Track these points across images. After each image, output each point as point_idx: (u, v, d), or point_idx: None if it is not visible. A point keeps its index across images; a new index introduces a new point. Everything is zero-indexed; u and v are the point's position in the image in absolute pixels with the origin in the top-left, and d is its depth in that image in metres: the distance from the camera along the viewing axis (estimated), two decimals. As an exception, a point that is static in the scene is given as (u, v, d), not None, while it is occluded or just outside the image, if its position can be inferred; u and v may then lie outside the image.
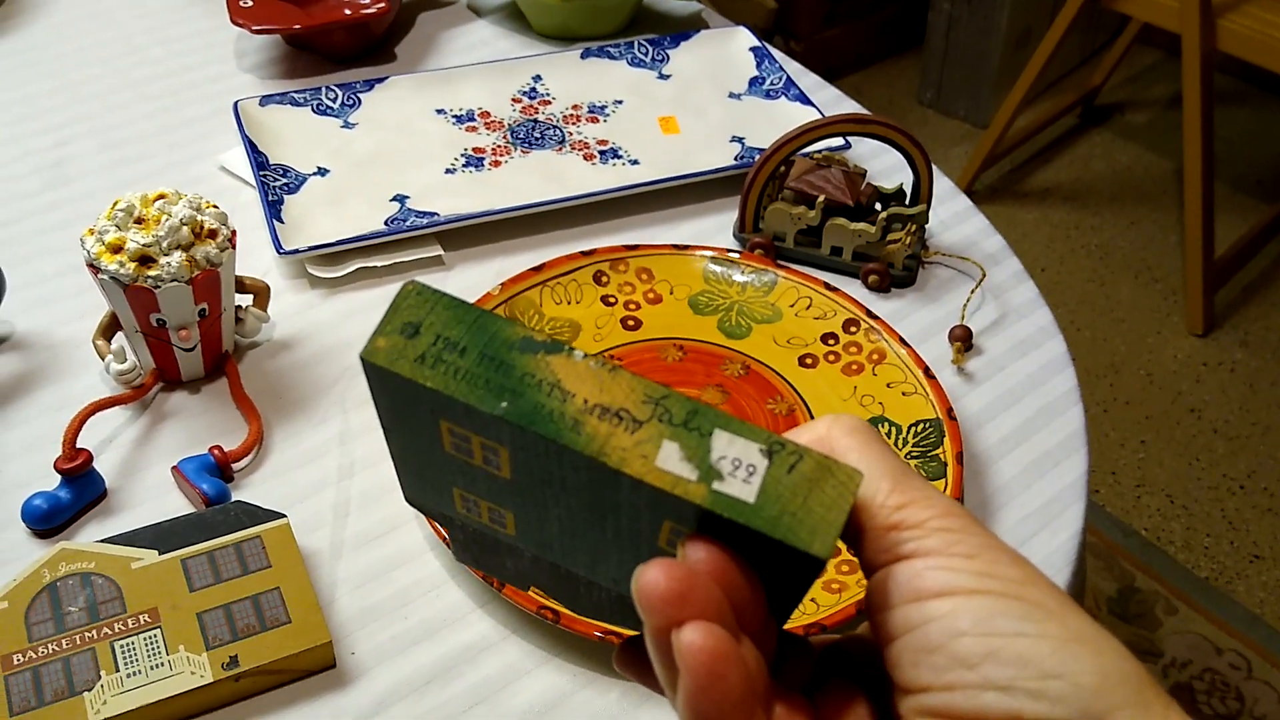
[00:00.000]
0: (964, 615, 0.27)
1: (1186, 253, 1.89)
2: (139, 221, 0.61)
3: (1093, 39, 2.49)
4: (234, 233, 0.64)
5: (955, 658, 0.27)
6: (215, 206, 0.64)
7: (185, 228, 0.61)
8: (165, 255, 0.60)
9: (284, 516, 0.57)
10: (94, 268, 0.61)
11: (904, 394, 0.66)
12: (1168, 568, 1.58)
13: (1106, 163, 2.29)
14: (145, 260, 0.60)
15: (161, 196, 0.62)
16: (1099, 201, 2.20)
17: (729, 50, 0.94)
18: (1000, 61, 2.26)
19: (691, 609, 0.26)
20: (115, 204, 0.62)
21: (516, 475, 0.29)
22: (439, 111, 0.86)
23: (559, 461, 0.28)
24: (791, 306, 0.71)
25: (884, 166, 0.85)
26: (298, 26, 0.87)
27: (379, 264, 0.74)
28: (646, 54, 0.93)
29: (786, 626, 0.33)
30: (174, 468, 0.61)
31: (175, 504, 0.61)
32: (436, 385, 0.27)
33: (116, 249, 0.61)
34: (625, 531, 0.29)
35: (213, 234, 0.62)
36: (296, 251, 0.72)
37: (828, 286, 0.71)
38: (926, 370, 0.66)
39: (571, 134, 0.84)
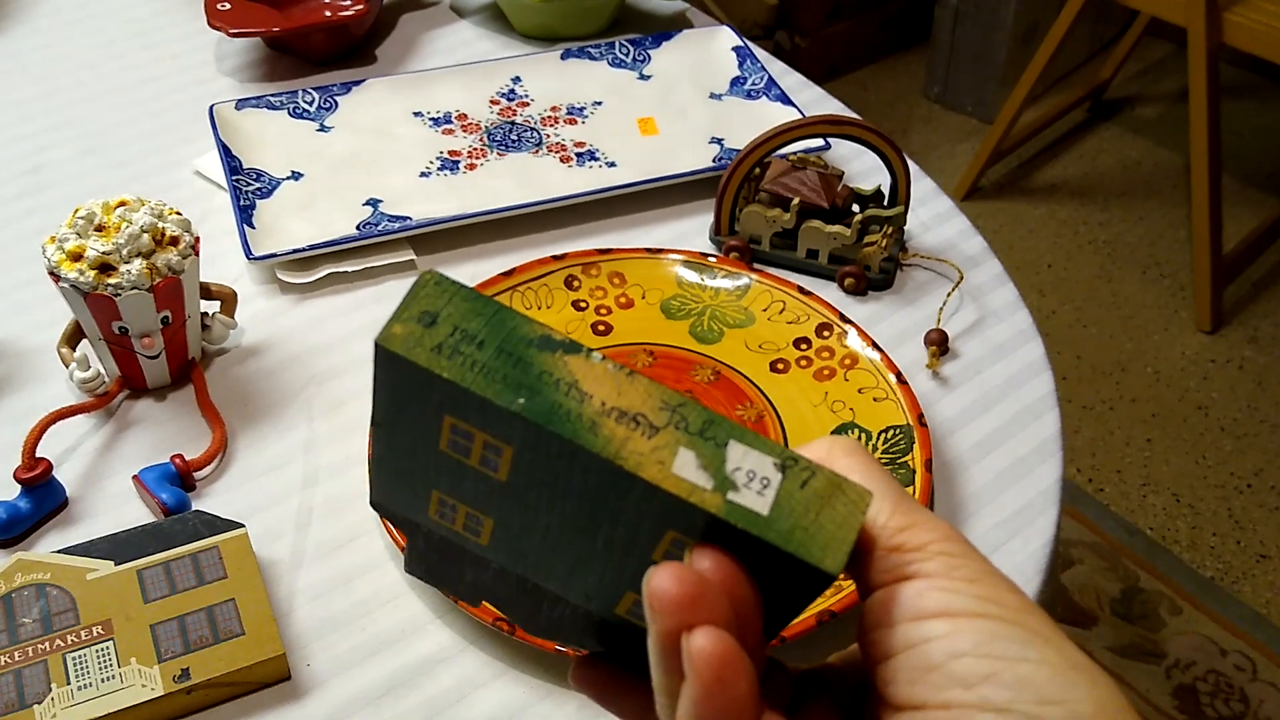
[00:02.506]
0: (965, 636, 0.27)
1: (1194, 248, 1.87)
2: (100, 229, 0.61)
3: (1102, 32, 2.47)
4: (197, 239, 0.64)
5: (954, 677, 0.27)
6: (178, 213, 0.63)
7: (146, 235, 0.61)
8: (125, 263, 0.60)
9: (242, 526, 0.57)
10: (55, 275, 0.61)
11: (875, 400, 0.65)
12: (1173, 567, 1.56)
13: (1115, 157, 2.27)
14: (105, 268, 0.60)
15: (123, 204, 0.62)
16: (1107, 197, 2.18)
17: (711, 50, 0.93)
18: (1007, 56, 2.25)
19: (703, 614, 0.26)
20: (76, 211, 0.61)
21: (514, 477, 0.29)
22: (416, 114, 0.85)
23: (570, 463, 0.27)
24: (764, 311, 0.70)
25: (864, 168, 0.84)
26: (275, 29, 0.87)
27: (350, 269, 0.73)
28: (628, 54, 0.92)
29: None
30: (135, 476, 0.61)
31: (137, 513, 0.61)
32: (453, 376, 0.27)
33: (77, 257, 0.60)
34: (619, 541, 0.29)
35: (175, 241, 0.62)
36: (266, 257, 0.71)
37: (801, 290, 0.70)
38: (899, 375, 0.65)
39: (549, 136, 0.84)
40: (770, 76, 0.89)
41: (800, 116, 0.82)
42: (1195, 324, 1.91)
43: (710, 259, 0.72)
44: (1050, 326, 1.91)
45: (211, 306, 0.68)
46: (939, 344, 0.69)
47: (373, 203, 0.77)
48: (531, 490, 0.29)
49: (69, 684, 0.51)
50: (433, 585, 0.38)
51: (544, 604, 0.34)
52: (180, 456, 0.61)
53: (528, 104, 0.87)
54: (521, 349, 0.27)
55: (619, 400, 0.27)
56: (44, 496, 0.60)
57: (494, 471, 0.29)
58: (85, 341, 0.65)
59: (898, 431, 0.63)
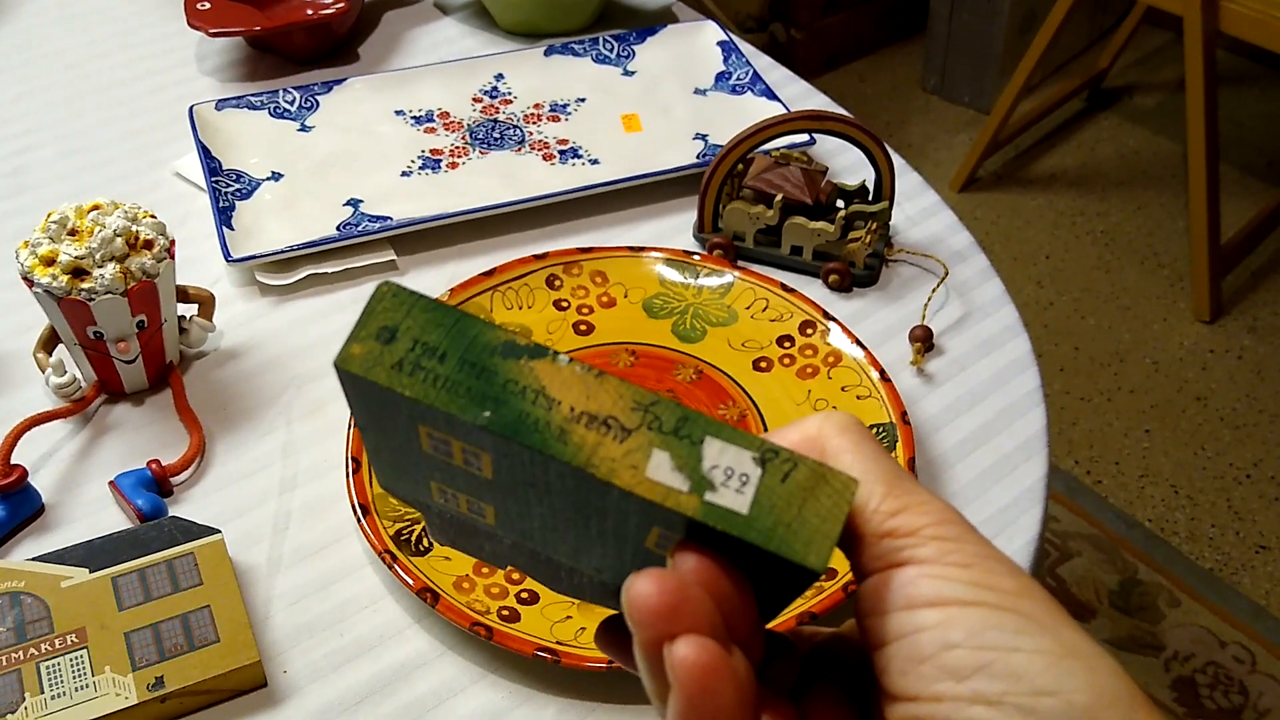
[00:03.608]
0: (957, 626, 0.26)
1: (1192, 238, 1.86)
2: (73, 233, 0.60)
3: (1099, 21, 2.46)
4: (172, 243, 0.63)
5: (945, 669, 0.26)
6: (153, 216, 0.63)
7: (119, 239, 0.60)
8: (98, 267, 0.60)
9: (218, 532, 0.56)
10: (28, 280, 0.60)
11: (858, 398, 0.64)
12: (1171, 559, 1.55)
13: (1113, 147, 2.26)
14: (78, 273, 0.60)
15: (96, 207, 0.61)
16: (1105, 186, 2.17)
17: (696, 45, 0.92)
18: (1004, 46, 2.23)
19: (683, 622, 0.25)
20: (49, 215, 0.61)
21: (498, 476, 0.29)
22: (398, 113, 0.84)
23: (544, 470, 0.27)
24: (747, 309, 0.70)
25: (848, 163, 0.83)
26: (256, 29, 0.86)
27: (330, 270, 0.73)
28: (612, 50, 0.91)
29: (772, 624, 0.32)
30: (111, 483, 0.60)
31: (113, 520, 0.60)
32: (415, 394, 0.26)
33: (49, 261, 0.60)
34: (611, 532, 0.29)
35: (149, 245, 0.62)
36: (245, 259, 0.71)
37: (785, 288, 0.69)
38: (882, 373, 0.64)
39: (531, 134, 0.83)
40: (755, 71, 0.88)
41: (784, 112, 0.81)
42: (1194, 314, 1.90)
43: (693, 257, 0.72)
44: (1048, 318, 1.90)
45: (189, 310, 0.68)
46: (924, 340, 0.69)
47: (353, 203, 0.77)
48: (517, 487, 0.29)
49: (42, 693, 0.50)
50: (458, 551, 0.38)
51: (561, 571, 0.34)
52: (157, 462, 0.61)
53: (510, 101, 0.86)
54: (485, 358, 0.27)
55: (588, 404, 0.26)
56: (19, 503, 0.59)
57: (478, 472, 0.29)
58: (61, 346, 0.64)
59: (881, 430, 0.62)
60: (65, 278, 0.59)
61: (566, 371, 0.27)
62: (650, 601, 0.25)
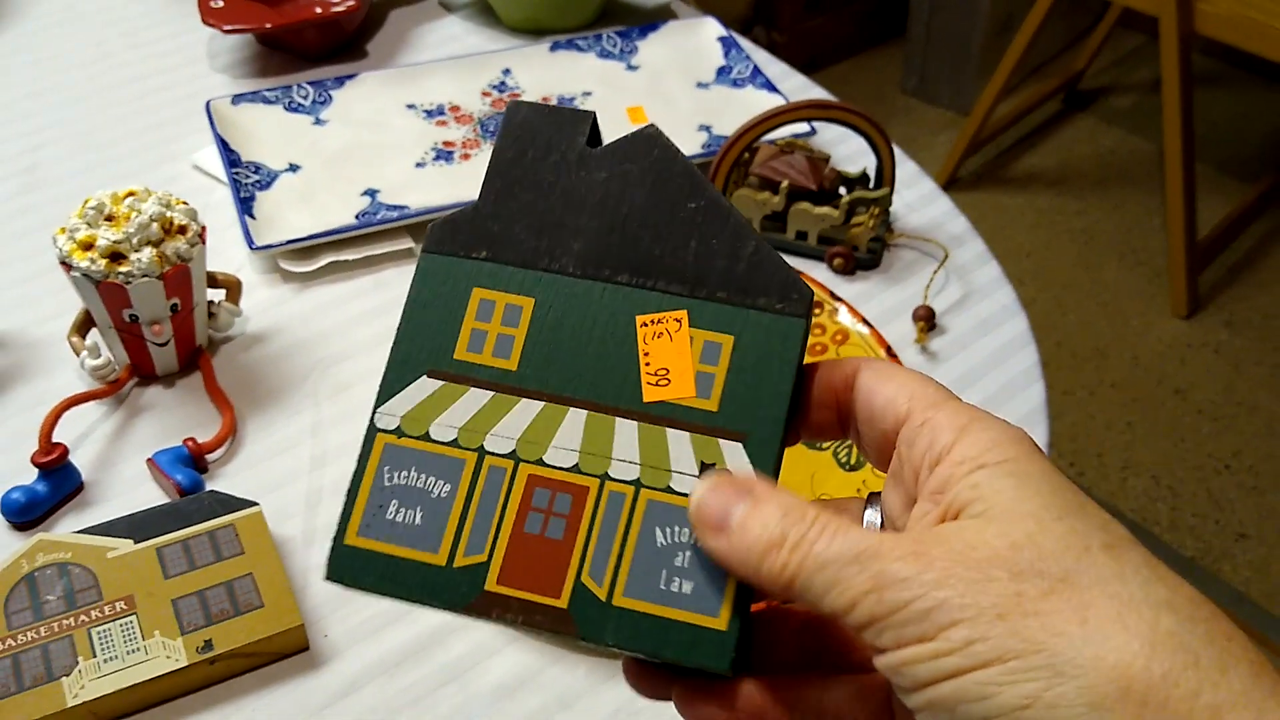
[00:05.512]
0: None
1: (1169, 235, 1.90)
2: (109, 219, 0.62)
3: (1076, 23, 2.50)
4: (204, 228, 0.65)
5: None
6: (185, 203, 0.65)
7: (155, 224, 0.62)
8: (135, 251, 0.62)
9: (256, 505, 0.59)
10: (66, 265, 0.62)
11: (866, 373, 0.67)
12: (1153, 548, 1.56)
13: (1090, 147, 2.30)
14: (116, 257, 0.62)
15: (131, 194, 0.63)
16: (1083, 186, 2.21)
17: (697, 40, 0.95)
18: (983, 48, 2.27)
19: None
20: (86, 202, 0.63)
21: None
22: (409, 106, 0.87)
23: None
24: (757, 290, 0.72)
25: (849, 151, 0.86)
26: (269, 26, 0.89)
27: (350, 257, 0.75)
28: (615, 45, 0.94)
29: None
30: (149, 460, 0.62)
31: (150, 495, 0.62)
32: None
33: (88, 246, 0.62)
34: None
35: (182, 230, 0.64)
36: (268, 247, 0.73)
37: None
38: (889, 350, 0.67)
39: (541, 126, 0.85)
40: (755, 65, 0.91)
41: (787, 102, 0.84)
42: (1172, 309, 1.94)
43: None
44: (1030, 314, 1.91)
45: (217, 295, 0.70)
46: (926, 320, 0.72)
47: (370, 193, 0.79)
48: None
49: (95, 657, 0.52)
50: None
51: None
52: (193, 440, 0.63)
53: (519, 95, 0.88)
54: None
55: None
56: (61, 480, 0.61)
57: None
58: (94, 330, 0.66)
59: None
60: (104, 262, 0.61)
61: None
62: None
